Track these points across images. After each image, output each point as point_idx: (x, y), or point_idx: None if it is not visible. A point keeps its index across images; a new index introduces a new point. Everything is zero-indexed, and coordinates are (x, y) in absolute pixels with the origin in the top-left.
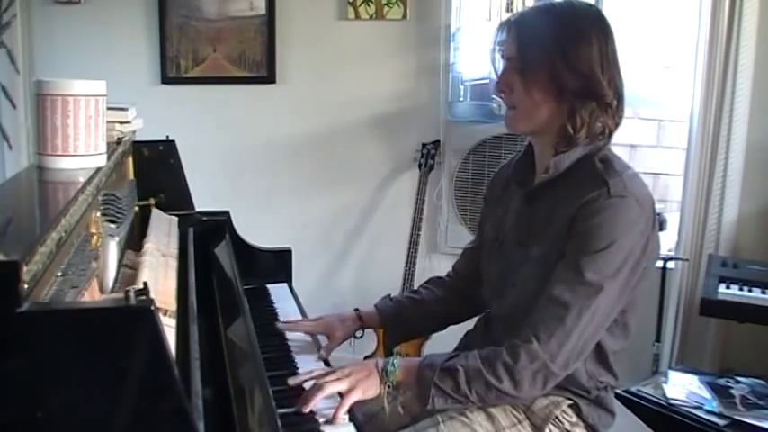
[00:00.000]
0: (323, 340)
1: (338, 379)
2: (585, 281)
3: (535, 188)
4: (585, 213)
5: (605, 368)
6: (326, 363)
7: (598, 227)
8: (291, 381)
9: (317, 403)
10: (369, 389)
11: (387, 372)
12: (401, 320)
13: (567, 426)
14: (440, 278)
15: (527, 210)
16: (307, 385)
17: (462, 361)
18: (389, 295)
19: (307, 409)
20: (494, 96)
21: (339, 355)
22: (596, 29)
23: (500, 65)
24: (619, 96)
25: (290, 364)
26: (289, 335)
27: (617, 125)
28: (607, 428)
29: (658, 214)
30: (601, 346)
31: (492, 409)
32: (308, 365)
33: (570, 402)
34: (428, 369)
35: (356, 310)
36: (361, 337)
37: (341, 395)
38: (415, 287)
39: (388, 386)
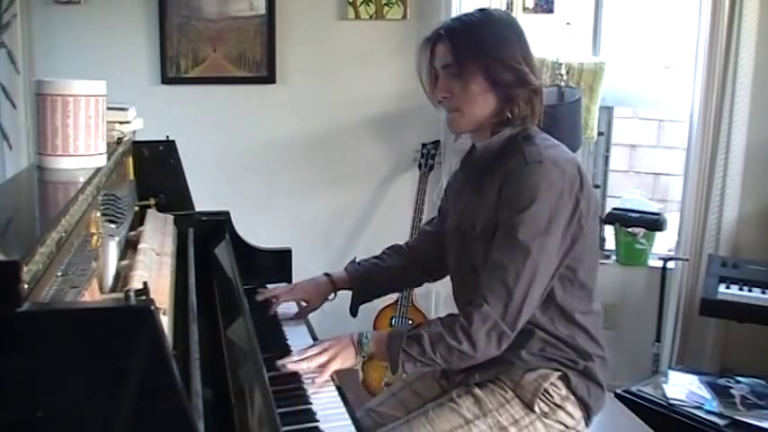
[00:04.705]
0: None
1: (319, 353)
2: (518, 242)
3: (477, 177)
4: (507, 181)
5: (578, 327)
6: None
7: (519, 190)
8: (280, 363)
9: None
10: (346, 359)
11: (361, 344)
12: (368, 283)
13: (557, 400)
14: (401, 246)
15: (475, 198)
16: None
17: (426, 328)
18: (355, 258)
19: (290, 368)
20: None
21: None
22: (513, 30)
23: (428, 80)
24: (539, 83)
25: None
26: (288, 334)
27: (541, 112)
28: (598, 402)
29: (658, 214)
30: (561, 307)
31: (479, 392)
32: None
33: (559, 374)
34: (396, 338)
35: (327, 274)
36: (333, 299)
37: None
38: (414, 288)
39: (363, 356)
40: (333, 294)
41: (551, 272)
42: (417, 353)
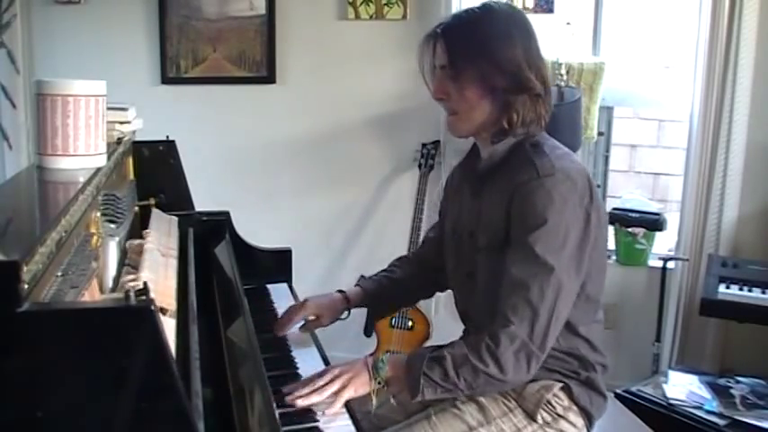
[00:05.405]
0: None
1: (330, 381)
2: (538, 258)
3: (477, 181)
4: (519, 196)
5: (582, 339)
6: (325, 360)
7: (533, 206)
8: (290, 399)
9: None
10: (360, 387)
11: (377, 368)
12: (382, 298)
13: (560, 410)
14: (407, 257)
15: (475, 203)
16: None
17: (449, 348)
18: (362, 276)
19: (300, 404)
20: None
21: (341, 355)
22: (517, 28)
23: (431, 78)
24: (545, 85)
25: (290, 364)
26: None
27: (548, 112)
28: (600, 411)
29: (658, 214)
30: (567, 321)
31: (483, 400)
32: (307, 364)
33: (561, 385)
34: (417, 360)
35: (341, 291)
36: (346, 318)
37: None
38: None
39: (378, 382)
40: (346, 313)
41: (576, 287)
42: (439, 377)
